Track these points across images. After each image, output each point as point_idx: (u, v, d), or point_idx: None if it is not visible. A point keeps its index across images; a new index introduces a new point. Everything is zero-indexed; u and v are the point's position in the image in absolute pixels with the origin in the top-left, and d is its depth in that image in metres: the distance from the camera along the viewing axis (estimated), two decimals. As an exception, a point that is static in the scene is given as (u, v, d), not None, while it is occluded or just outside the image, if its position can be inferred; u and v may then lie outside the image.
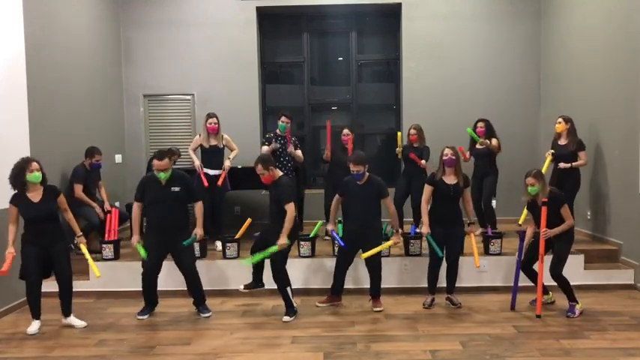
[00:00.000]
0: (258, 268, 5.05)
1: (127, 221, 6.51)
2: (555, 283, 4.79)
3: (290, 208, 4.62)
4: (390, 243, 4.97)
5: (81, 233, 4.75)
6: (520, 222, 5.51)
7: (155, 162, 4.65)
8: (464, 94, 7.74)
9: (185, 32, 7.80)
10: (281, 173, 4.84)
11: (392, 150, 7.64)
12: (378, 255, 4.92)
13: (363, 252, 4.86)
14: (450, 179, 4.88)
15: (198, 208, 4.92)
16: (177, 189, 4.74)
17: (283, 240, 4.60)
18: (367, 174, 4.86)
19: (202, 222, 4.93)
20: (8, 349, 4.20)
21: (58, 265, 4.52)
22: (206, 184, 5.90)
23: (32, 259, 4.40)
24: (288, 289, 4.77)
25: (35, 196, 4.40)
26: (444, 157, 4.87)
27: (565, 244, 4.71)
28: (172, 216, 4.74)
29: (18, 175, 4.33)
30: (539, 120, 7.73)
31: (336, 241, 5.03)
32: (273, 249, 4.62)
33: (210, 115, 6.06)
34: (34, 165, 4.34)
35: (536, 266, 4.79)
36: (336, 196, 5.02)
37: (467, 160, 6.22)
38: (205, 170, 6.00)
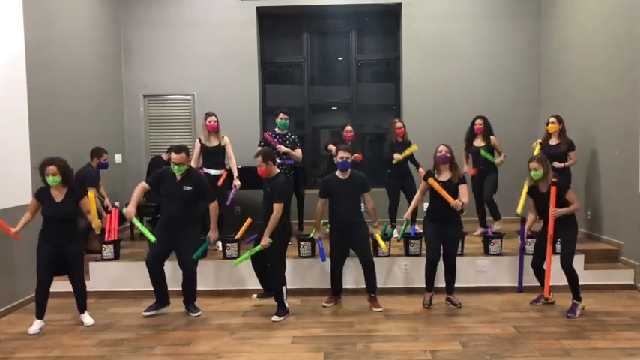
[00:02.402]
0: (264, 278, 5.07)
1: (127, 221, 6.52)
2: (557, 283, 4.81)
3: (277, 208, 4.67)
4: (380, 241, 5.00)
5: (97, 221, 4.70)
6: (518, 210, 5.17)
7: (173, 155, 4.71)
8: (464, 94, 7.74)
9: (185, 32, 7.81)
10: (278, 171, 4.86)
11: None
12: (368, 249, 4.98)
13: (354, 249, 4.96)
14: (444, 176, 4.89)
15: (212, 209, 4.91)
16: (188, 188, 4.77)
17: (266, 240, 4.68)
18: (349, 169, 4.91)
19: (216, 224, 4.95)
20: (8, 349, 4.20)
21: (71, 266, 4.55)
22: None
23: (44, 257, 4.46)
24: (284, 288, 4.80)
25: (58, 195, 4.48)
26: (438, 154, 4.87)
27: (570, 234, 4.71)
28: (181, 214, 4.77)
29: (41, 175, 4.46)
30: (539, 120, 7.72)
31: (319, 252, 5.08)
32: (257, 249, 4.72)
33: (209, 114, 6.05)
34: (50, 169, 4.40)
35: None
36: (320, 200, 5.00)
37: (474, 173, 6.30)
38: (206, 170, 5.99)
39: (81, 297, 4.71)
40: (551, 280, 4.92)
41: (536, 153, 5.76)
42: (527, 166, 4.72)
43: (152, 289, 4.94)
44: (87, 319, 4.72)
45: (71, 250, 4.52)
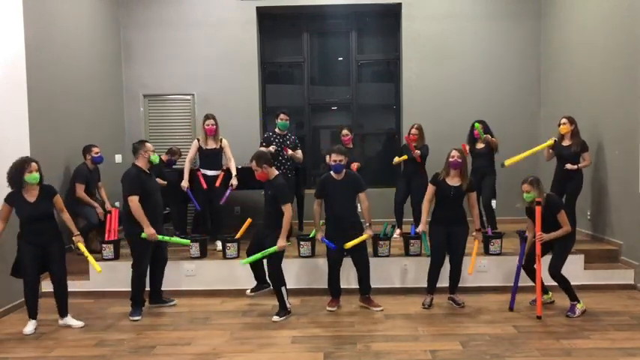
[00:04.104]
0: (257, 270, 5.07)
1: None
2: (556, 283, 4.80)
3: (288, 210, 4.69)
4: (366, 236, 4.88)
5: (78, 232, 4.69)
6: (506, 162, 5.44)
7: (148, 145, 4.85)
8: (464, 94, 7.74)
9: (185, 32, 7.81)
10: (277, 172, 4.86)
11: (392, 150, 7.66)
12: (364, 249, 4.95)
13: (351, 249, 4.89)
14: (454, 181, 4.88)
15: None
16: (157, 179, 5.05)
17: (282, 242, 4.67)
18: (344, 170, 4.90)
19: None
20: (8, 349, 4.20)
21: (54, 264, 4.51)
22: (205, 186, 5.95)
23: (29, 257, 4.40)
24: (283, 288, 4.78)
25: (31, 195, 4.39)
26: (450, 159, 4.85)
27: (565, 244, 4.71)
28: (161, 204, 4.98)
29: (16, 175, 4.31)
30: (539, 120, 7.73)
31: (329, 246, 5.05)
32: (272, 249, 4.66)
33: (207, 117, 6.05)
34: (33, 165, 4.33)
35: (543, 264, 4.79)
36: (316, 200, 4.99)
37: (466, 154, 6.25)
38: (203, 171, 6.04)
39: (62, 297, 4.59)
40: (550, 280, 4.93)
41: (542, 145, 5.83)
42: (521, 187, 4.71)
43: (146, 289, 4.98)
44: (73, 321, 4.63)
45: (53, 248, 4.47)
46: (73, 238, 4.65)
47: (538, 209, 4.59)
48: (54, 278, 4.56)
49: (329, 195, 4.92)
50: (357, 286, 5.19)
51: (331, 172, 4.95)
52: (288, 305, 4.81)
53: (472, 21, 7.74)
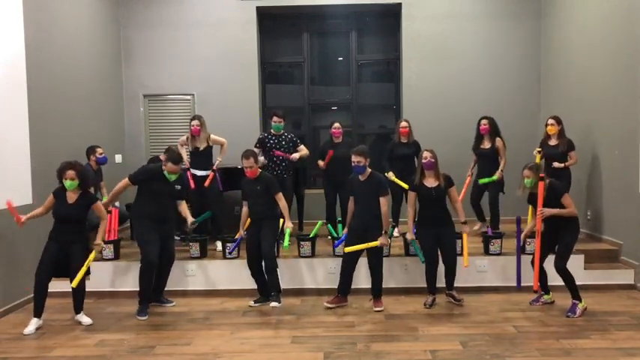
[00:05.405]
0: (261, 283, 5.11)
1: (127, 221, 6.53)
2: (557, 283, 4.80)
3: (281, 197, 5.03)
4: (375, 243, 4.83)
5: (99, 242, 4.77)
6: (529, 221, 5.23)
7: (170, 165, 4.87)
8: (464, 94, 7.74)
9: (185, 32, 7.81)
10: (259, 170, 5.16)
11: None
12: (380, 253, 4.96)
13: (368, 251, 4.91)
14: (431, 182, 4.92)
15: (184, 205, 5.24)
16: (179, 187, 5.07)
17: (289, 223, 5.06)
18: (369, 170, 4.89)
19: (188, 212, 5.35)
20: (8, 349, 4.20)
21: (75, 264, 4.59)
22: (193, 186, 5.94)
23: (49, 256, 4.55)
24: (277, 270, 4.90)
25: (72, 197, 4.60)
26: (423, 160, 4.91)
27: (570, 236, 4.70)
28: (169, 210, 5.05)
29: (59, 176, 4.60)
30: (539, 120, 7.71)
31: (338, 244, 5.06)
32: (288, 232, 5.00)
33: (193, 118, 6.13)
34: (68, 174, 4.54)
35: (546, 263, 4.85)
36: (350, 197, 5.04)
37: (469, 181, 6.35)
38: (193, 171, 6.05)
39: (80, 297, 4.72)
40: (550, 280, 4.94)
41: (537, 158, 5.78)
42: (521, 174, 4.75)
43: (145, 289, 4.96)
44: (84, 318, 4.72)
45: (75, 248, 4.59)
46: (94, 243, 4.74)
47: (541, 184, 4.60)
48: (73, 277, 4.61)
49: (355, 195, 4.99)
50: (357, 287, 5.21)
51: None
52: (280, 286, 4.95)
53: (472, 21, 7.74)
